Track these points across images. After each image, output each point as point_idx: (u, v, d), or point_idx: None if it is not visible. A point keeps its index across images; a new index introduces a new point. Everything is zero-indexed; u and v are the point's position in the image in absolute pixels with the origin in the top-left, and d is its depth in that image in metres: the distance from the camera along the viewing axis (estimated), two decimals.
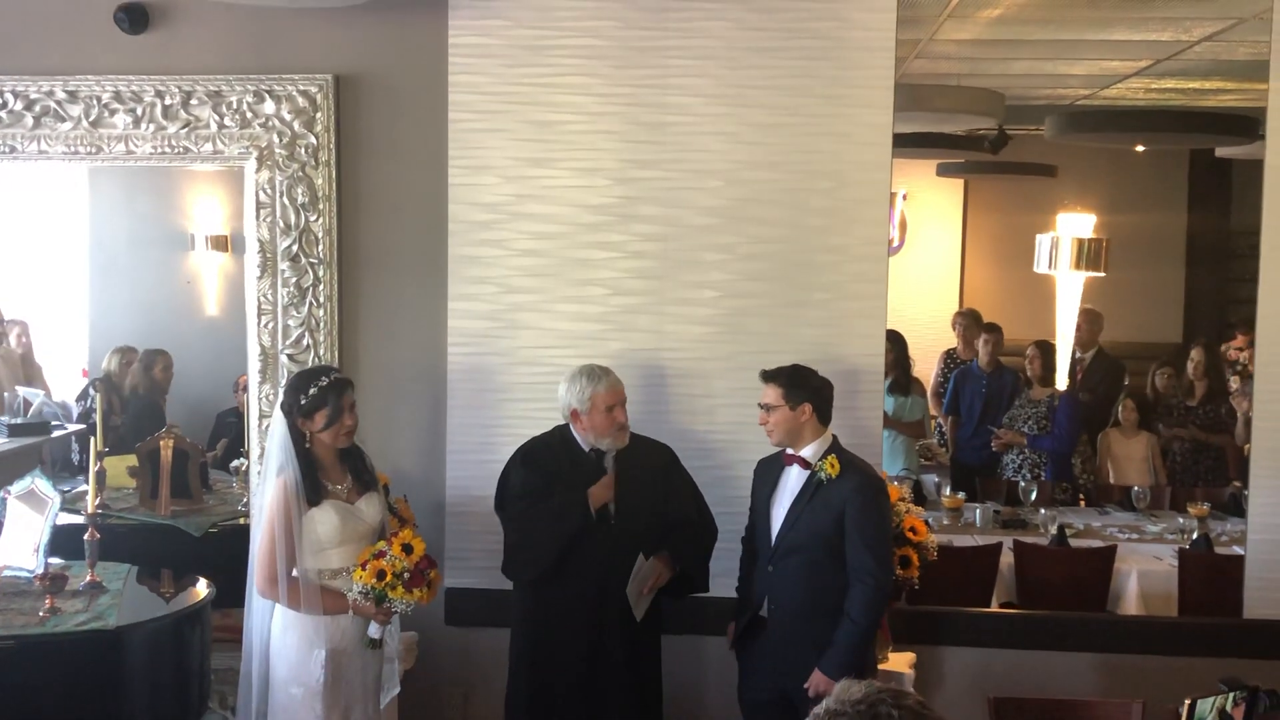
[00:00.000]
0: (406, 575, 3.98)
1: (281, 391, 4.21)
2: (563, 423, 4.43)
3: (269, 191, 4.84)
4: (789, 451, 4.25)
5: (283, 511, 3.97)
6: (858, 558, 4.09)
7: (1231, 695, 3.49)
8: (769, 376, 4.23)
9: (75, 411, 5.91)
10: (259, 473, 4.86)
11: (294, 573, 4.01)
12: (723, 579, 4.51)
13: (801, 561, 4.16)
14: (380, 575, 3.96)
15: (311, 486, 4.02)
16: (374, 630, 4.08)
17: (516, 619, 4.47)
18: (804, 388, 4.20)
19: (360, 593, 3.97)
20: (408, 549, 4.02)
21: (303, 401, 4.05)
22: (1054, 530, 6.08)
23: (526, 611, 4.44)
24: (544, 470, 4.36)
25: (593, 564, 4.29)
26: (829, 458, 4.16)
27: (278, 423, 4.12)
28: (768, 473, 4.34)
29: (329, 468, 4.10)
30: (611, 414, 4.32)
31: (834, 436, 4.25)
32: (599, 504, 4.29)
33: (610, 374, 4.37)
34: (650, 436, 4.53)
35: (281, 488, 4.00)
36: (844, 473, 4.13)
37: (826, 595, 4.12)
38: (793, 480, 4.23)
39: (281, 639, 4.07)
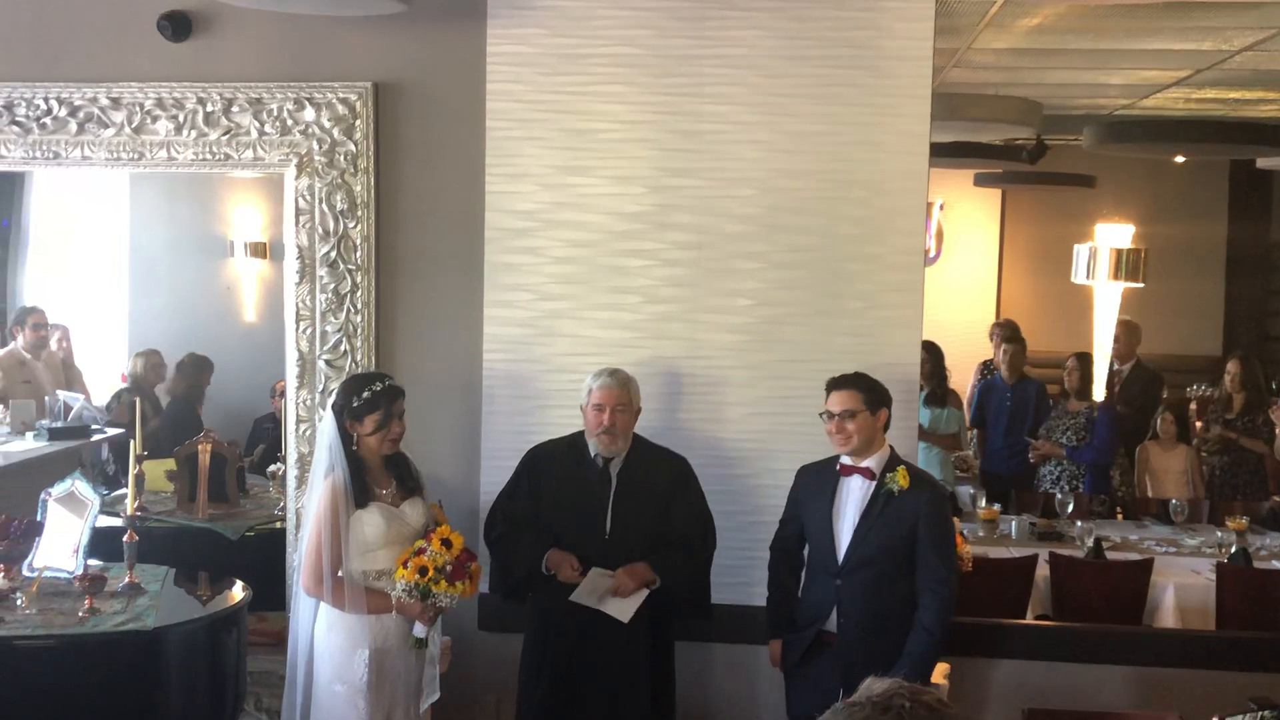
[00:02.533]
0: (449, 568, 4.02)
1: (335, 392, 4.26)
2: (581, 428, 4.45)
3: (308, 198, 4.88)
4: (846, 462, 4.22)
5: (330, 511, 4.04)
6: (931, 568, 4.10)
7: (1261, 714, 3.47)
8: (843, 383, 4.20)
9: (102, 417, 5.97)
10: (297, 477, 4.92)
11: (339, 573, 4.06)
12: (744, 588, 4.48)
13: (871, 575, 4.15)
14: (423, 571, 4.01)
15: (359, 488, 4.09)
16: (419, 630, 4.12)
17: (526, 630, 4.51)
18: (882, 392, 4.21)
19: (404, 590, 4.01)
20: (447, 544, 4.06)
21: (355, 404, 4.11)
22: (1090, 543, 6.05)
23: (528, 622, 4.49)
24: (539, 480, 4.40)
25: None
26: (899, 469, 4.16)
27: (328, 423, 4.18)
28: (819, 483, 4.29)
29: (375, 471, 4.17)
30: (599, 414, 4.31)
31: (891, 447, 4.26)
32: (555, 569, 4.30)
33: (615, 375, 4.36)
34: (670, 447, 4.52)
35: (330, 488, 4.06)
36: (914, 485, 4.14)
37: (895, 608, 4.14)
38: (856, 492, 4.21)
39: (326, 638, 4.12)
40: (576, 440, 4.44)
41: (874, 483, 4.18)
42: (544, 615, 4.40)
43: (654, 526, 4.37)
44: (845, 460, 4.23)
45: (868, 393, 4.18)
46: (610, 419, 4.31)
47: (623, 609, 4.30)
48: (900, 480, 4.13)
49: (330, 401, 4.24)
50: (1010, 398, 7.71)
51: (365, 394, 4.11)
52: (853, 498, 4.21)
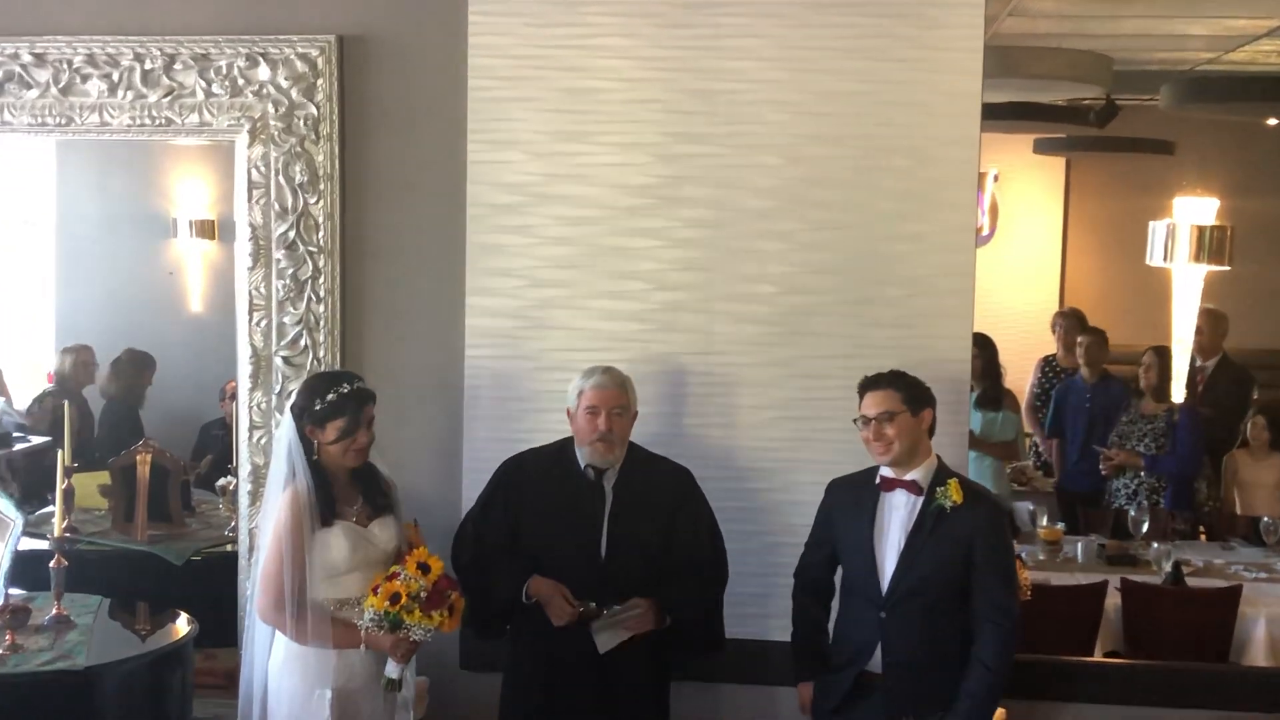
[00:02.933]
0: (424, 595, 4.01)
1: (295, 392, 4.25)
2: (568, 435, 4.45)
3: (262, 169, 4.88)
4: (888, 474, 4.21)
5: (293, 525, 4.02)
6: (992, 595, 4.09)
7: None
8: (878, 382, 4.20)
9: (13, 423, 5.98)
10: (250, 492, 4.92)
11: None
12: (761, 620, 4.47)
13: (921, 605, 4.13)
14: (394, 598, 3.99)
15: (324, 503, 4.08)
16: (392, 669, 4.10)
17: (504, 664, 4.50)
18: (923, 390, 4.20)
19: (373, 620, 4.00)
20: (424, 568, 4.05)
21: (317, 406, 4.10)
22: (1168, 567, 6.04)
23: (509, 655, 4.48)
24: (518, 495, 4.39)
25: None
26: (950, 482, 4.15)
27: (285, 427, 4.17)
28: (855, 500, 4.28)
29: (339, 485, 4.16)
30: (593, 418, 4.30)
31: (939, 457, 4.25)
32: (537, 596, 4.29)
33: (609, 374, 4.36)
34: (679, 457, 4.53)
35: (293, 499, 4.05)
36: (969, 500, 4.13)
37: (949, 644, 4.13)
38: (900, 510, 4.20)
39: (282, 676, 4.11)
40: (564, 449, 4.44)
41: (920, 498, 4.17)
42: (527, 649, 4.39)
43: (656, 548, 4.37)
44: (886, 473, 4.21)
45: (908, 390, 4.17)
46: (606, 424, 4.31)
47: (607, 639, 4.31)
48: (953, 494, 4.12)
49: (289, 402, 4.22)
50: (1090, 400, 7.68)
51: (330, 396, 4.11)
52: (896, 516, 4.20)
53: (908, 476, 4.19)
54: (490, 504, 4.47)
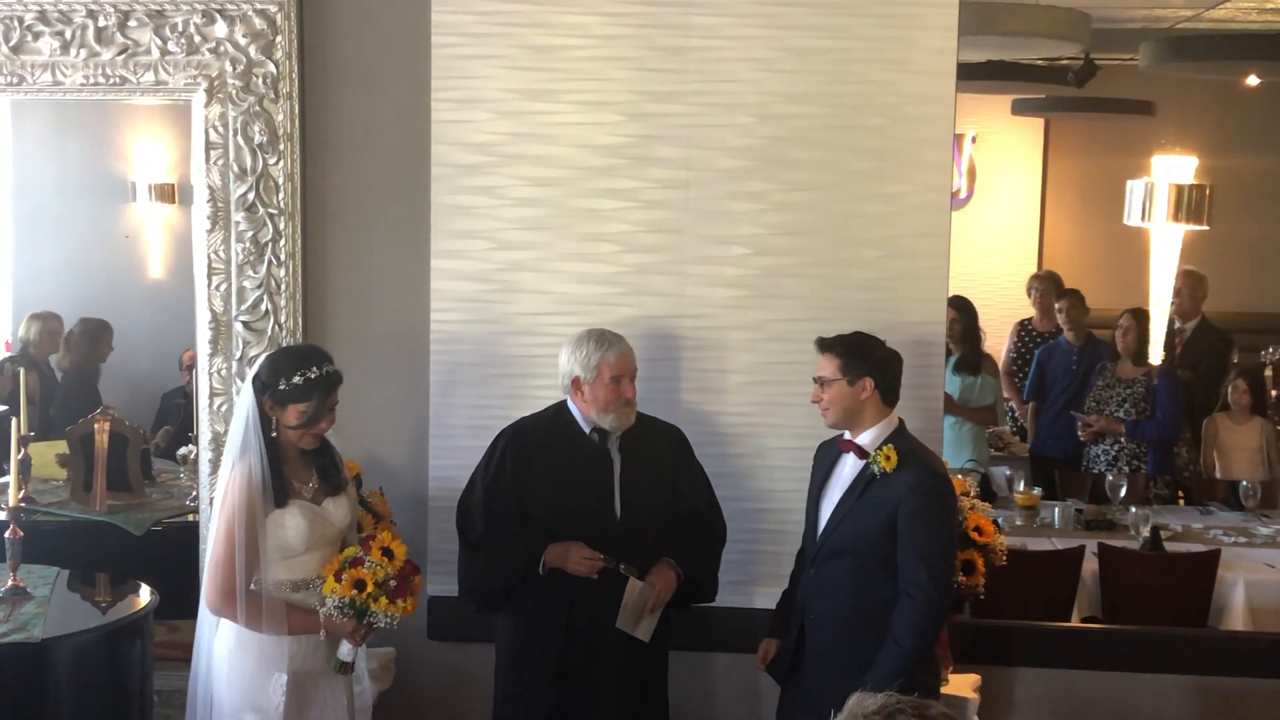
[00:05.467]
0: (392, 584, 3.96)
1: (259, 363, 4.15)
2: (560, 399, 4.42)
3: (220, 130, 4.83)
4: (845, 437, 4.23)
5: (246, 508, 3.93)
6: (908, 568, 4.05)
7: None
8: (825, 345, 4.20)
9: None
10: (211, 460, 4.88)
11: (252, 584, 3.97)
12: (744, 588, 4.47)
13: (845, 567, 4.14)
14: (360, 586, 3.93)
15: (278, 483, 3.99)
16: (345, 652, 4.04)
17: (503, 633, 4.48)
18: (866, 360, 4.17)
19: (336, 607, 3.94)
20: (388, 554, 3.99)
21: (281, 386, 3.99)
22: (1146, 532, 6.06)
23: (514, 625, 4.44)
24: (525, 463, 4.37)
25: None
26: (885, 447, 4.13)
27: (245, 400, 4.07)
28: (824, 460, 4.32)
29: (293, 462, 4.08)
30: (619, 387, 4.32)
31: (900, 421, 4.23)
32: (556, 564, 4.29)
33: (622, 341, 4.38)
34: (659, 417, 4.53)
35: (245, 479, 3.95)
36: (902, 465, 4.10)
37: (876, 609, 4.09)
38: (846, 470, 4.21)
39: (234, 658, 4.03)
40: (560, 415, 4.43)
41: (864, 462, 4.18)
42: (540, 621, 4.37)
43: (664, 504, 4.41)
44: (846, 436, 4.23)
45: (846, 359, 4.15)
46: (631, 390, 4.35)
47: (648, 627, 4.33)
48: (883, 461, 4.10)
49: (252, 372, 4.13)
50: (1075, 363, 7.68)
51: (296, 379, 3.99)
52: (842, 477, 4.22)
53: (858, 440, 4.19)
54: (498, 474, 4.41)
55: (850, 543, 4.13)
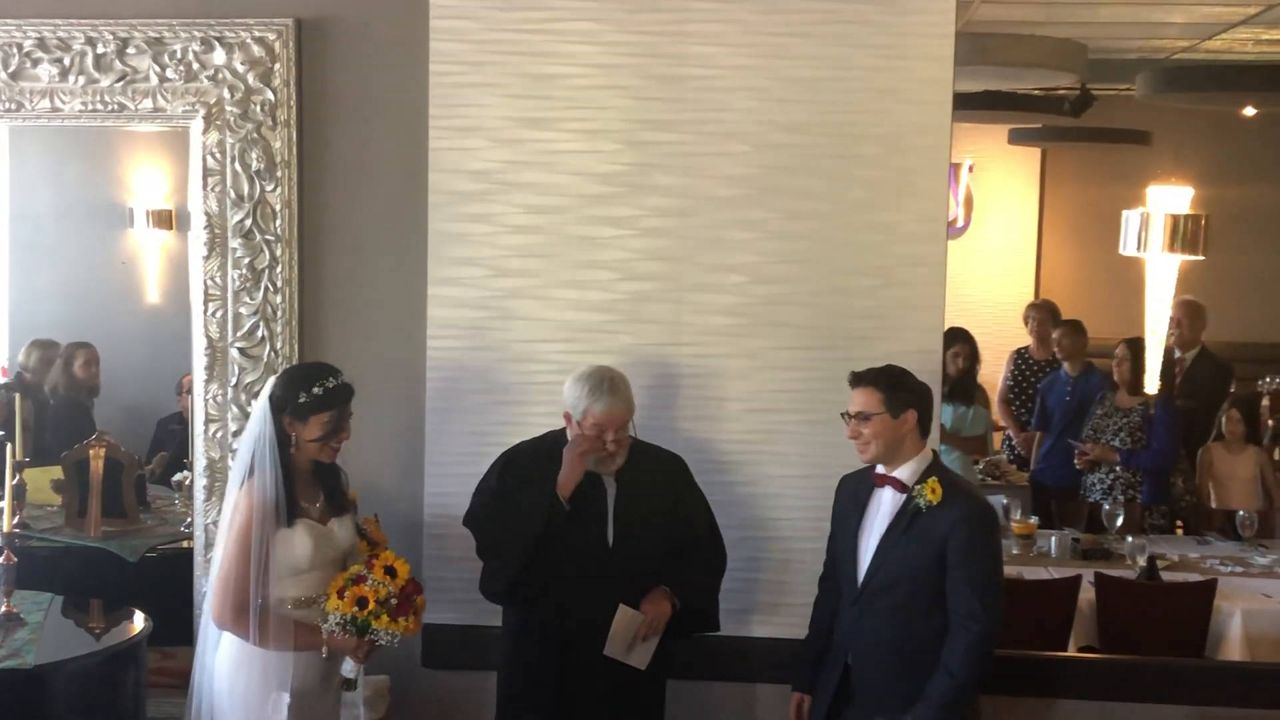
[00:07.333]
0: (393, 601, 4.00)
1: (273, 383, 4.18)
2: (560, 427, 4.43)
3: (218, 156, 4.85)
4: (880, 471, 4.21)
5: (259, 525, 3.97)
6: (961, 599, 4.05)
7: None
8: (864, 379, 4.18)
9: None
10: (206, 487, 4.89)
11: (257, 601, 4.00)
12: (741, 616, 4.46)
13: (892, 605, 4.13)
14: (362, 603, 3.98)
15: (288, 503, 4.03)
16: (348, 669, 4.09)
17: (501, 662, 4.48)
18: (907, 390, 4.16)
19: (338, 624, 3.98)
20: (391, 572, 4.04)
21: (301, 400, 4.04)
22: (1143, 562, 6.06)
23: (510, 652, 4.45)
24: (524, 479, 4.37)
25: (586, 598, 4.28)
26: (929, 481, 4.12)
27: (259, 419, 4.10)
28: (854, 495, 4.29)
29: (303, 482, 4.12)
30: (599, 435, 4.29)
31: (934, 453, 4.24)
32: (569, 490, 4.27)
33: (619, 393, 4.32)
34: (660, 445, 4.53)
35: (259, 496, 3.99)
36: (948, 498, 4.10)
37: (923, 647, 4.09)
38: (885, 506, 4.20)
39: (235, 678, 4.06)
40: (559, 441, 4.42)
41: (905, 496, 4.17)
42: (535, 646, 4.37)
43: (661, 533, 4.40)
44: (878, 469, 4.22)
45: (889, 391, 4.14)
46: (615, 445, 4.30)
47: (642, 655, 4.32)
48: (929, 494, 4.10)
49: (267, 393, 4.15)
50: (1070, 393, 7.69)
51: (315, 389, 4.05)
52: (882, 513, 4.20)
53: (894, 474, 4.18)
54: (500, 492, 4.40)
55: (898, 578, 4.12)
